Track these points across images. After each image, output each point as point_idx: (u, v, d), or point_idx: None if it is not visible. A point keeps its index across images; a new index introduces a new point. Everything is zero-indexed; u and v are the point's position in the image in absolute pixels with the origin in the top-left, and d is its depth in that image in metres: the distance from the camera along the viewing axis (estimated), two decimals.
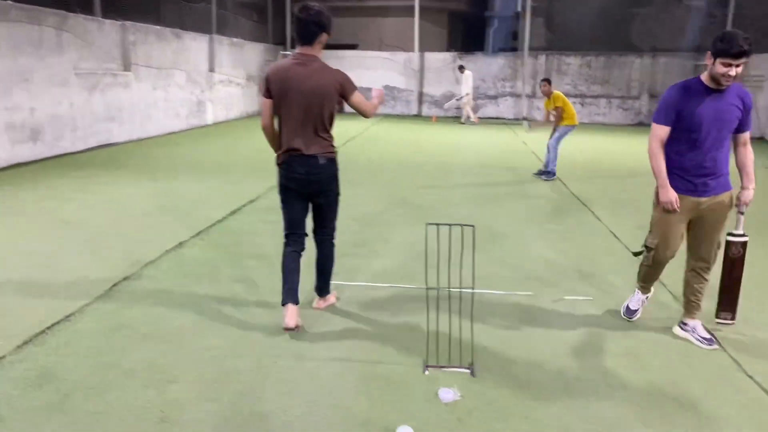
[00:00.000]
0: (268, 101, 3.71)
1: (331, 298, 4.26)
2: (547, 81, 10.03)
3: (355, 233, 6.12)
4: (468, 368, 3.37)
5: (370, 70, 21.68)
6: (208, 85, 16.18)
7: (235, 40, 18.12)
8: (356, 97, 3.73)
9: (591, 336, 3.89)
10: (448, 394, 3.09)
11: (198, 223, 6.31)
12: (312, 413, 2.92)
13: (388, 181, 9.16)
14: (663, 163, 3.70)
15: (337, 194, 3.97)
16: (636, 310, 4.13)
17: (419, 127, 18.04)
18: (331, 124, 3.76)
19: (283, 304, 3.79)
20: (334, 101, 3.68)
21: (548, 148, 9.79)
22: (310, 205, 3.93)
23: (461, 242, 3.47)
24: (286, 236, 3.92)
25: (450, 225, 3.30)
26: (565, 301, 4.48)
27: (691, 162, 3.64)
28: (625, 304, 4.21)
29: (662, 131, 3.69)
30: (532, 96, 21.17)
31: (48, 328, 3.75)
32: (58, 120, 10.25)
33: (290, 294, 3.81)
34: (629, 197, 8.41)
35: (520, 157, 12.16)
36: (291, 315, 3.74)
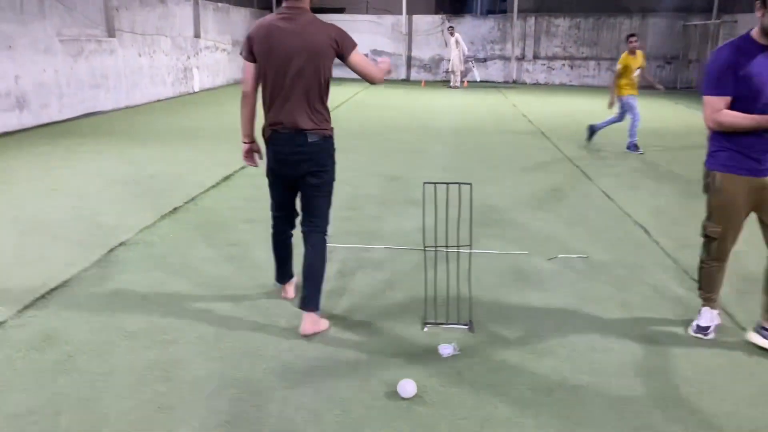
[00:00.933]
0: (251, 65, 3.15)
1: (322, 322, 3.32)
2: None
3: (348, 197, 6.13)
4: (466, 325, 3.42)
5: (357, 33, 21.26)
6: (193, 52, 15.93)
7: (220, 4, 17.79)
8: (357, 57, 3.12)
9: (585, 291, 3.96)
10: (447, 349, 3.14)
11: (191, 189, 6.28)
12: (313, 370, 2.96)
13: (378, 146, 9.14)
14: (739, 114, 2.99)
15: (331, 179, 3.30)
16: (708, 327, 3.34)
17: (408, 91, 17.91)
18: (326, 92, 3.16)
19: (279, 282, 3.76)
20: (329, 63, 3.08)
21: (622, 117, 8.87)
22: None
23: (458, 201, 3.48)
24: (274, 218, 3.53)
25: (447, 183, 3.31)
26: (559, 260, 4.54)
27: (753, 136, 3.02)
28: (694, 323, 3.40)
29: (721, 103, 3.00)
30: (521, 58, 21.04)
31: (47, 293, 3.76)
32: (43, 88, 10.08)
33: (283, 272, 3.72)
34: (621, 156, 8.45)
35: (511, 119, 12.13)
36: (290, 287, 3.72)
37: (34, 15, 9.84)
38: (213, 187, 6.44)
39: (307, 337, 3.23)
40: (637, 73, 8.60)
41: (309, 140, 3.11)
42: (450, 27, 19.29)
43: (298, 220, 3.48)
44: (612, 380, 2.90)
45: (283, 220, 3.51)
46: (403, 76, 21.83)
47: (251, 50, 3.11)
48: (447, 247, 3.55)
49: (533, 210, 5.83)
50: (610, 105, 8.76)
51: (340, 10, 22.80)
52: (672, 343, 3.28)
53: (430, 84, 20.35)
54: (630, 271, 4.32)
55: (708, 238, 3.31)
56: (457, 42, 18.46)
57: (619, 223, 5.45)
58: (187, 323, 3.41)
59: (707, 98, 3.05)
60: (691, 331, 3.39)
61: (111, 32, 12.13)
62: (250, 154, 3.48)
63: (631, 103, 8.64)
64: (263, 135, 3.26)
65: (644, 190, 6.64)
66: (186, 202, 5.83)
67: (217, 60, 17.54)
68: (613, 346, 3.24)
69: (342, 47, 3.07)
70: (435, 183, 3.35)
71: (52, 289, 3.81)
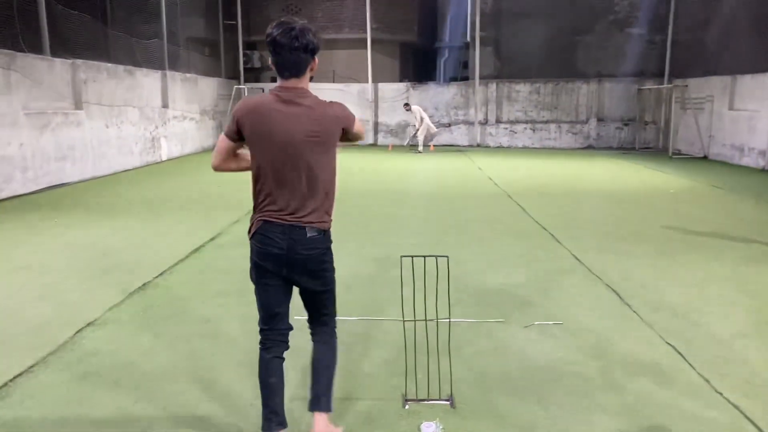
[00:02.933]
0: (230, 144, 2.76)
1: (334, 429, 2.96)
2: None
3: None
4: (447, 400, 3.37)
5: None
6: (161, 121, 15.98)
7: (188, 75, 18.01)
8: (357, 126, 2.86)
9: (563, 361, 3.95)
10: (429, 428, 3.08)
11: (160, 263, 6.18)
12: None
13: (349, 210, 9.16)
14: None
15: (332, 274, 2.92)
16: None
17: (376, 155, 18.16)
18: (333, 182, 2.85)
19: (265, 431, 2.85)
20: (335, 147, 2.79)
21: None
22: (295, 291, 2.89)
23: (436, 273, 3.49)
24: (262, 332, 2.90)
25: (424, 256, 3.32)
26: (535, 327, 4.54)
27: None
28: None
29: None
30: (484, 123, 21.63)
31: (10, 380, 3.60)
32: (7, 161, 9.94)
33: (274, 418, 2.84)
34: (586, 218, 8.62)
35: (477, 182, 12.35)
36: None
37: None
38: (182, 260, 6.33)
39: None
40: None
41: (308, 235, 2.72)
42: (405, 104, 19.83)
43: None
44: None
45: (274, 337, 2.90)
46: (370, 140, 22.19)
47: (238, 131, 2.70)
48: (426, 319, 3.53)
49: (506, 275, 5.87)
50: None
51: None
52: (657, 414, 3.28)
53: (396, 148, 20.71)
54: (605, 338, 4.34)
55: None
56: (420, 114, 18.91)
57: (590, 287, 5.51)
58: (161, 409, 3.29)
59: None
60: None
61: (78, 104, 12.12)
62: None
63: None
64: (249, 231, 2.84)
65: (612, 252, 6.76)
66: (155, 277, 5.72)
67: (185, 129, 17.61)
68: (595, 419, 3.22)
69: (348, 122, 2.80)
70: (412, 256, 3.36)
71: (16, 376, 3.65)
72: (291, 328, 2.95)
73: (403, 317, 3.58)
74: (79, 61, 12.15)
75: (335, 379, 2.97)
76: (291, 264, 2.74)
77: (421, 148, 19.00)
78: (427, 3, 25.58)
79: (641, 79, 20.61)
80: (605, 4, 20.64)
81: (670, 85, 19.35)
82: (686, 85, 18.48)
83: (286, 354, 2.93)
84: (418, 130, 19.13)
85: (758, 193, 11.05)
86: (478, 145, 21.46)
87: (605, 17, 20.77)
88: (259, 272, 2.80)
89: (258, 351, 2.91)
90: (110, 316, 4.70)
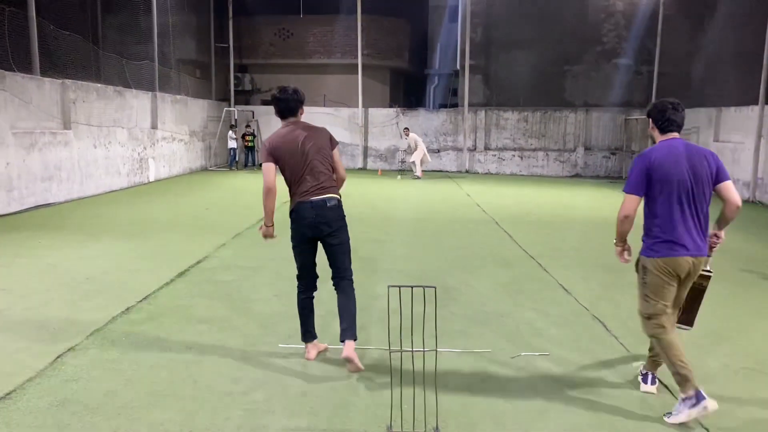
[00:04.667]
0: (272, 165, 4.11)
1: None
2: None
3: None
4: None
5: (315, 125, 21.90)
6: (150, 142, 15.95)
7: (178, 96, 18.03)
8: (337, 152, 4.32)
9: (550, 392, 3.92)
10: None
11: (145, 286, 6.11)
12: None
13: None
14: None
15: (347, 236, 4.37)
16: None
17: (365, 180, 18.19)
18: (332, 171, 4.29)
19: (305, 341, 4.39)
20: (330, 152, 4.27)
21: None
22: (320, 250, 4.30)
23: (423, 302, 3.47)
24: (299, 279, 4.41)
25: (412, 287, 3.30)
26: (522, 357, 4.52)
27: None
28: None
29: None
30: (473, 149, 21.78)
31: None
32: None
33: (308, 333, 4.38)
34: (573, 246, 8.64)
35: (466, 209, 12.39)
36: (313, 349, 4.35)
37: None
38: (167, 284, 6.26)
39: (351, 360, 3.97)
40: None
41: (328, 204, 4.18)
42: (405, 128, 19.88)
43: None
44: None
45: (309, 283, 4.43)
46: (360, 165, 22.25)
47: (272, 154, 4.09)
48: (413, 350, 3.50)
49: (493, 303, 5.86)
50: None
51: None
52: None
53: (386, 173, 20.77)
54: (592, 369, 4.32)
55: None
56: (416, 141, 18.82)
57: (577, 317, 5.50)
58: None
59: None
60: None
61: (67, 124, 12.08)
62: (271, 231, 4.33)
63: None
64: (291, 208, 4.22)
65: (598, 282, 6.77)
66: (139, 301, 5.64)
67: (173, 150, 17.58)
68: None
69: (333, 143, 4.30)
70: (399, 286, 3.34)
71: None
72: (318, 277, 4.41)
73: (389, 347, 3.55)
74: (68, 81, 12.13)
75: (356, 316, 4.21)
76: (317, 226, 4.20)
77: (419, 172, 18.89)
78: (418, 31, 25.93)
79: (628, 109, 20.91)
80: (593, 35, 21.01)
81: None
82: None
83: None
84: (412, 156, 18.98)
85: (744, 225, 11.15)
86: (467, 172, 21.58)
87: (593, 48, 21.13)
88: (296, 236, 4.27)
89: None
90: (92, 342, 4.62)
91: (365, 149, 22.31)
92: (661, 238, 3.60)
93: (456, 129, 21.87)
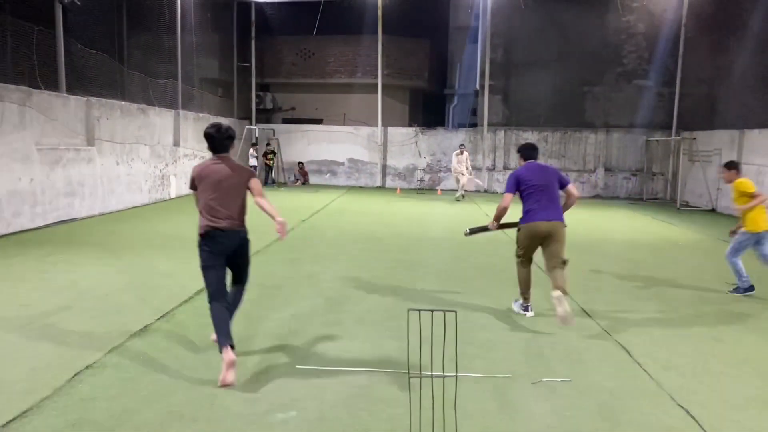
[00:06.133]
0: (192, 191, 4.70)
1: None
2: (731, 165, 7.36)
3: (325, 312, 6.01)
4: None
5: (335, 143, 22.06)
6: (172, 159, 16.12)
7: (200, 114, 18.25)
8: (254, 182, 4.70)
9: (572, 421, 3.83)
10: None
11: (164, 303, 6.11)
12: None
13: (357, 255, 9.12)
14: None
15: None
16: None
17: (384, 198, 18.19)
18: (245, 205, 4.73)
19: (224, 343, 4.34)
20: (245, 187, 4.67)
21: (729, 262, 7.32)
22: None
23: (443, 329, 3.41)
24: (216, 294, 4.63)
25: (432, 311, 3.25)
26: (543, 383, 4.43)
27: None
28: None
29: None
30: (492, 169, 21.71)
31: (3, 426, 3.51)
32: (16, 196, 10.00)
33: (225, 340, 4.37)
34: (594, 269, 8.52)
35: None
36: (230, 372, 4.22)
37: (14, 126, 9.93)
38: (186, 301, 6.27)
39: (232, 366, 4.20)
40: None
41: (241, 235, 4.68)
42: (461, 145, 19.02)
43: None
44: None
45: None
46: (378, 183, 22.27)
47: (193, 179, 4.62)
48: (432, 374, 3.44)
49: (513, 327, 5.76)
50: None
51: (318, 121, 23.58)
52: None
53: (404, 191, 20.76)
54: (614, 397, 4.22)
55: None
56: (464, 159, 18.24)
57: (599, 342, 5.39)
58: None
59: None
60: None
61: (91, 141, 12.26)
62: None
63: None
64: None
65: (621, 307, 6.65)
66: (158, 318, 5.65)
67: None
68: None
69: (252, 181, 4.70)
70: (419, 310, 3.29)
71: (9, 421, 3.57)
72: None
73: (408, 371, 3.49)
74: (93, 99, 12.33)
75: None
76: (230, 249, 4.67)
77: (468, 188, 18.71)
78: (438, 51, 26.06)
79: (649, 131, 20.75)
80: (613, 56, 20.93)
81: (678, 138, 19.46)
82: (694, 138, 18.56)
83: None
84: (464, 177, 18.23)
85: None
86: (485, 191, 21.50)
87: (613, 69, 21.04)
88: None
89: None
90: (109, 360, 4.62)
91: (384, 167, 22.35)
92: (524, 214, 6.03)
93: (475, 148, 21.84)
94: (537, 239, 5.94)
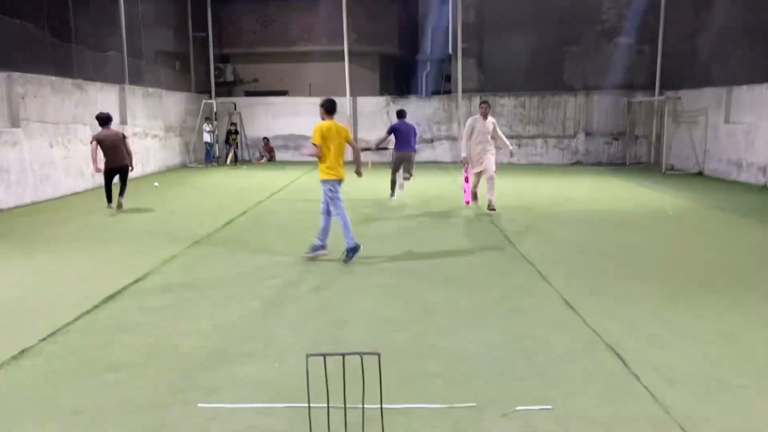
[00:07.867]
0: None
1: None
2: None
3: (256, 320, 4.97)
4: None
5: (300, 116, 20.72)
6: None
7: (150, 90, 16.87)
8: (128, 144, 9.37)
9: None
10: None
11: (59, 317, 5.01)
12: None
13: (309, 242, 8.03)
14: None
15: None
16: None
17: (353, 174, 17.00)
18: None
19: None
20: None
21: None
22: None
23: (361, 372, 2.38)
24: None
25: (343, 354, 2.21)
26: (517, 413, 3.43)
27: None
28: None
29: None
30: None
31: None
32: None
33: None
34: (578, 248, 7.53)
35: (457, 202, 11.29)
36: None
37: None
38: (87, 312, 5.15)
39: None
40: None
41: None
42: (484, 102, 11.66)
43: None
44: None
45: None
46: (349, 157, 21.09)
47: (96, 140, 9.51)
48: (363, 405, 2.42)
49: (479, 332, 4.75)
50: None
51: (283, 93, 22.25)
52: None
53: (375, 165, 19.62)
54: (608, 429, 3.24)
55: None
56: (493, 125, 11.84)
57: (587, 348, 4.41)
58: None
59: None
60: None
61: (15, 122, 10.95)
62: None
63: None
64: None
65: (610, 296, 5.67)
66: (42, 339, 4.53)
67: (146, 147, 16.45)
68: None
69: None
70: (323, 354, 2.25)
71: None
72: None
73: (327, 405, 2.47)
74: (15, 74, 10.98)
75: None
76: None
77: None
78: (407, 13, 24.68)
79: (631, 92, 19.72)
80: (592, 13, 19.78)
81: (662, 98, 18.46)
82: (679, 98, 17.58)
83: None
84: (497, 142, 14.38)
85: (765, 215, 10.04)
86: (462, 162, 20.42)
87: (592, 27, 19.91)
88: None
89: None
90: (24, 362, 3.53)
91: (355, 140, 21.17)
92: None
93: (450, 117, 20.72)
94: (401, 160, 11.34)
